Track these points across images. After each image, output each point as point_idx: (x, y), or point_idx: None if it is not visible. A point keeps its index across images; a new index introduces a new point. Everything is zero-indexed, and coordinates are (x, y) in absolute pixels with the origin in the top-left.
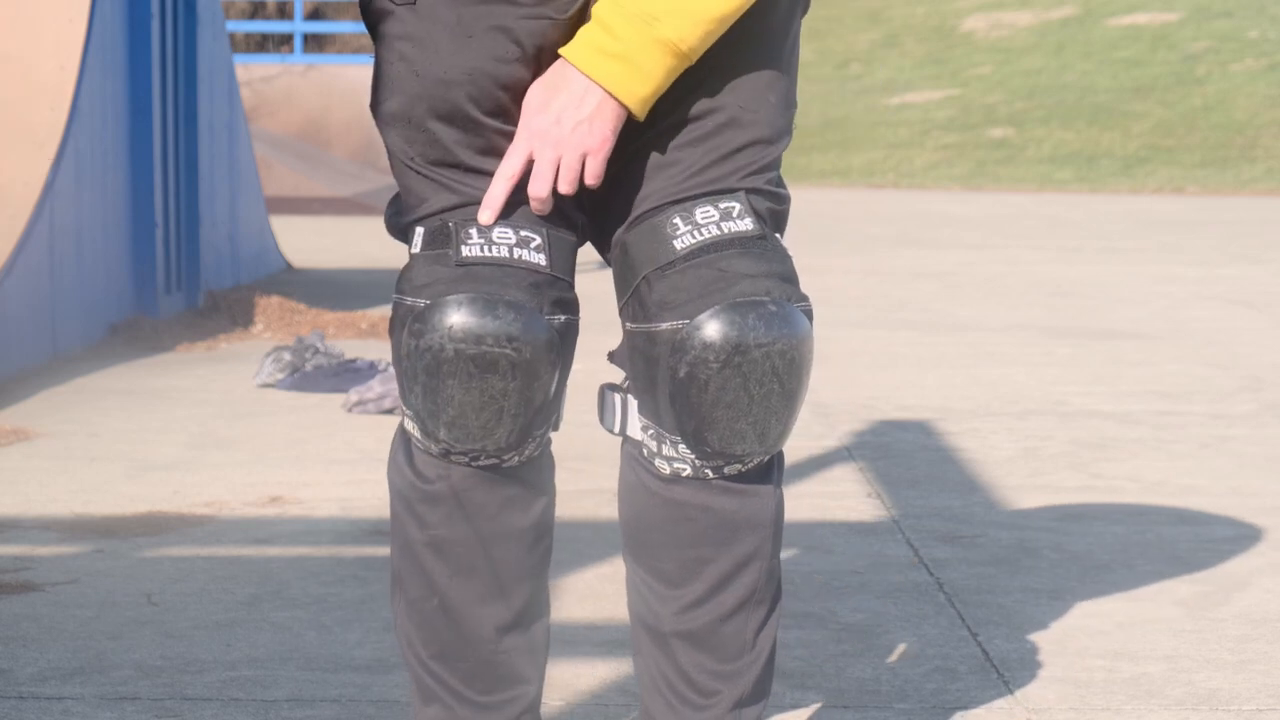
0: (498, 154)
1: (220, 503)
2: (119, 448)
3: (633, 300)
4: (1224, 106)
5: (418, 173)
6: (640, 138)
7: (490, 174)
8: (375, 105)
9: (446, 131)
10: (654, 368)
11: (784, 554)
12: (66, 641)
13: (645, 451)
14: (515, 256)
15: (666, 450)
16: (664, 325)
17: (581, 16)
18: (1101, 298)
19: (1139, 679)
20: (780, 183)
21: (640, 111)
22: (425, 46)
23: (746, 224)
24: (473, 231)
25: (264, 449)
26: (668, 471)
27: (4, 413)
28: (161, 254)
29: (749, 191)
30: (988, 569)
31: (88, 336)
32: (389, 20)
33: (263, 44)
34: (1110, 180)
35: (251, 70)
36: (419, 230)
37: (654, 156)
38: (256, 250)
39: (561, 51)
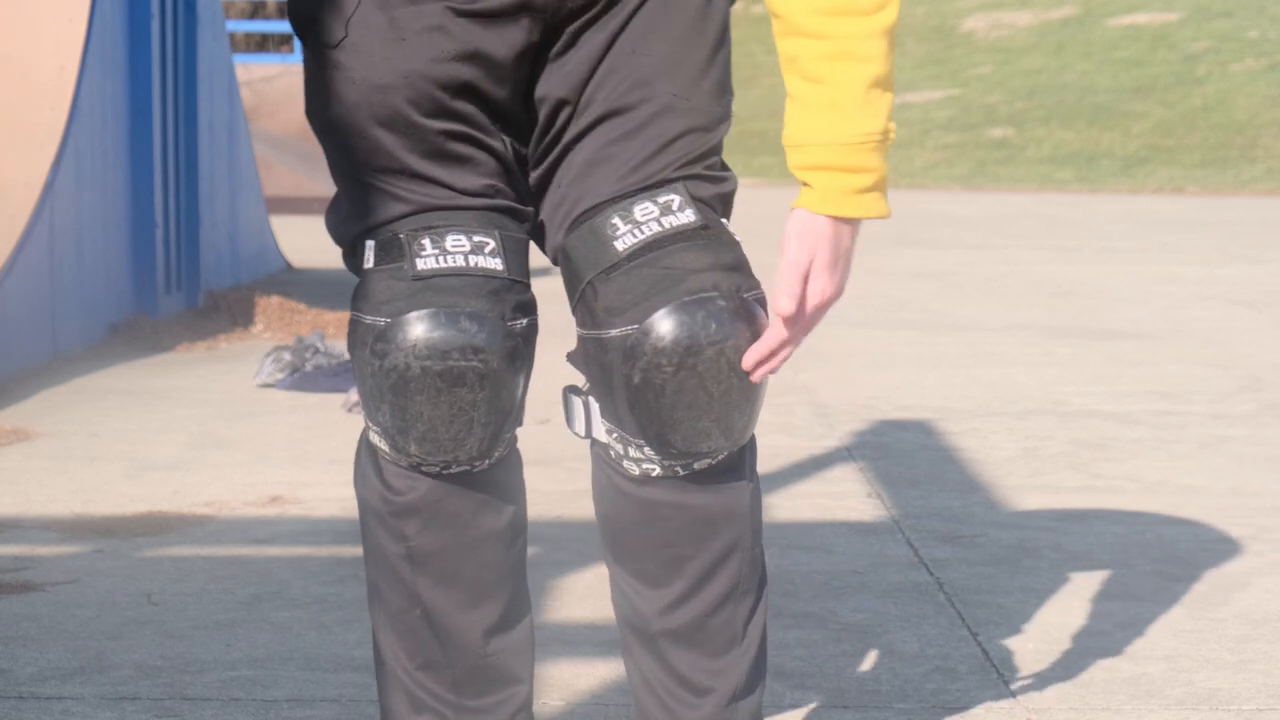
0: (442, 157)
1: (220, 503)
2: (119, 448)
3: (580, 306)
4: (1224, 106)
5: (363, 182)
6: (574, 130)
7: (436, 181)
8: (312, 114)
9: (389, 137)
10: (609, 374)
11: (784, 554)
12: (66, 641)
13: (613, 454)
14: (472, 264)
15: (633, 452)
16: (613, 332)
17: (518, 11)
18: (1101, 298)
19: (1139, 679)
20: (723, 167)
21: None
22: (359, 52)
23: (688, 216)
24: (425, 242)
25: (264, 449)
26: (637, 472)
27: (4, 413)
28: (161, 254)
29: (688, 179)
30: (988, 569)
31: (88, 336)
32: (317, 27)
33: (263, 44)
34: (1110, 180)
35: (251, 70)
36: (369, 244)
37: (590, 151)
38: (256, 250)
39: (822, 209)
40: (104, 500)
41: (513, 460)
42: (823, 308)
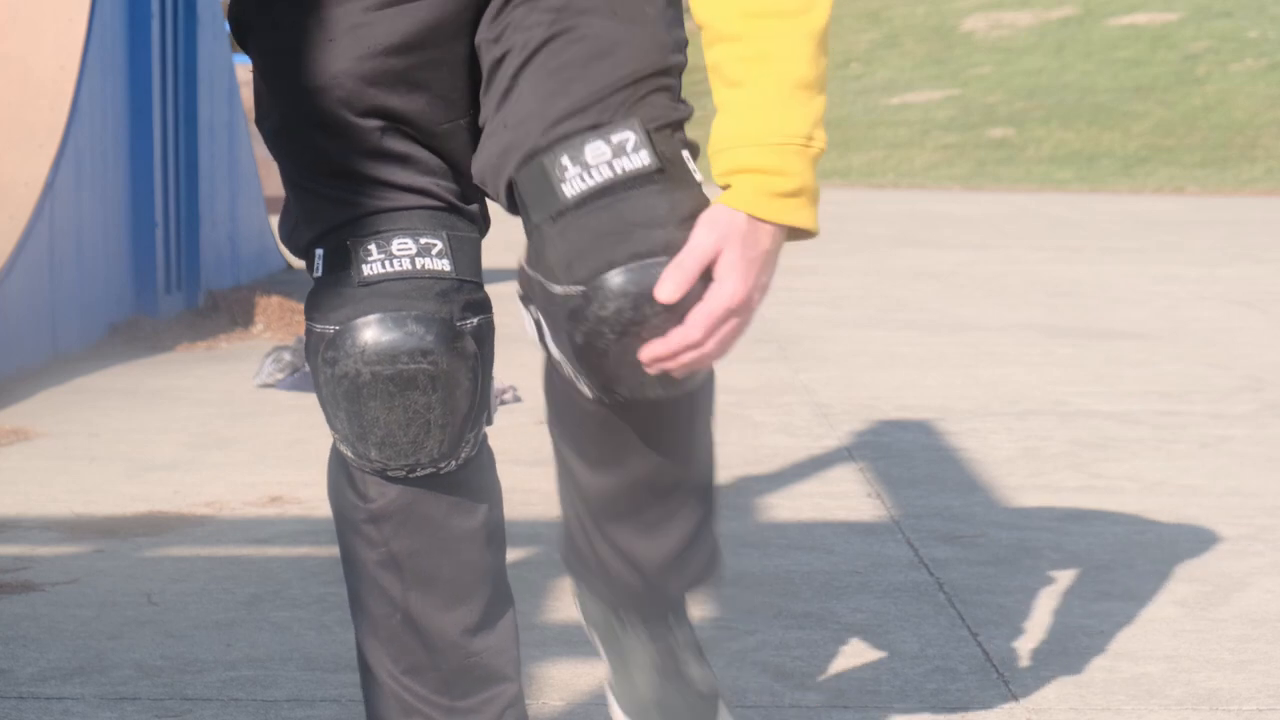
0: (384, 156)
1: (220, 503)
2: (119, 448)
3: (530, 243)
4: (1224, 106)
5: (307, 189)
6: (512, 65)
7: (381, 182)
8: (259, 121)
9: (328, 140)
10: (554, 321)
11: (784, 554)
12: (66, 641)
13: (566, 372)
14: (418, 267)
15: (583, 383)
16: (558, 289)
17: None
18: (1101, 298)
19: (1139, 679)
20: (679, 97)
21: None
22: (292, 57)
23: (642, 158)
24: (371, 247)
25: (264, 449)
26: (591, 395)
27: (4, 413)
28: (161, 254)
29: (639, 104)
30: (988, 569)
31: (88, 336)
32: (255, 35)
33: None
34: (1110, 180)
35: (251, 70)
36: (319, 252)
37: (532, 84)
38: (256, 250)
39: (740, 206)
40: (104, 500)
41: (483, 460)
42: (731, 312)
